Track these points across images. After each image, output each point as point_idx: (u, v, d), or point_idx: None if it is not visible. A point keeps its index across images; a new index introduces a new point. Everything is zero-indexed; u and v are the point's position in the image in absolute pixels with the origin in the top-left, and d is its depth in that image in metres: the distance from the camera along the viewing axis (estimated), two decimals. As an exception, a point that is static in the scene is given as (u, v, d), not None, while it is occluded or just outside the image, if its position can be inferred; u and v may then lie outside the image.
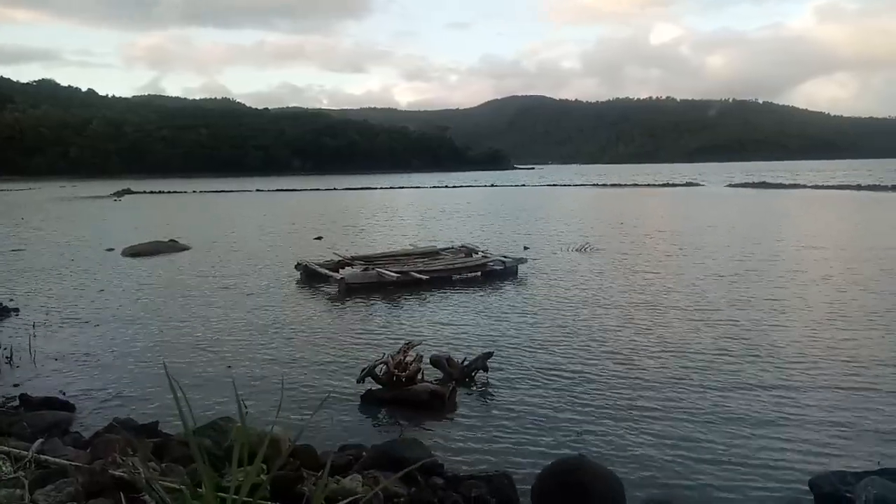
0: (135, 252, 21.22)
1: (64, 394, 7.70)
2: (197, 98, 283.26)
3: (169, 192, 75.71)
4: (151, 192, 74.81)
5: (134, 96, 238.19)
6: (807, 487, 5.05)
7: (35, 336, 10.26)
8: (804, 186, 61.81)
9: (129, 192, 73.36)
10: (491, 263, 16.43)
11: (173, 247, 22.44)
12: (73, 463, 4.23)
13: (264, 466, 4.72)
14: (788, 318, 10.90)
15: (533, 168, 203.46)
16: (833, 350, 9.11)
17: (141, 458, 4.28)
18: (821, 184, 64.19)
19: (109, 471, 3.91)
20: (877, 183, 58.92)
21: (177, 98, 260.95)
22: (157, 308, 12.87)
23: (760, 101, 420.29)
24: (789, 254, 18.44)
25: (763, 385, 7.69)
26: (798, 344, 9.40)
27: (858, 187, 56.95)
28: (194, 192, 75.04)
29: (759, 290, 13.54)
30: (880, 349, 9.11)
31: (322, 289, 14.86)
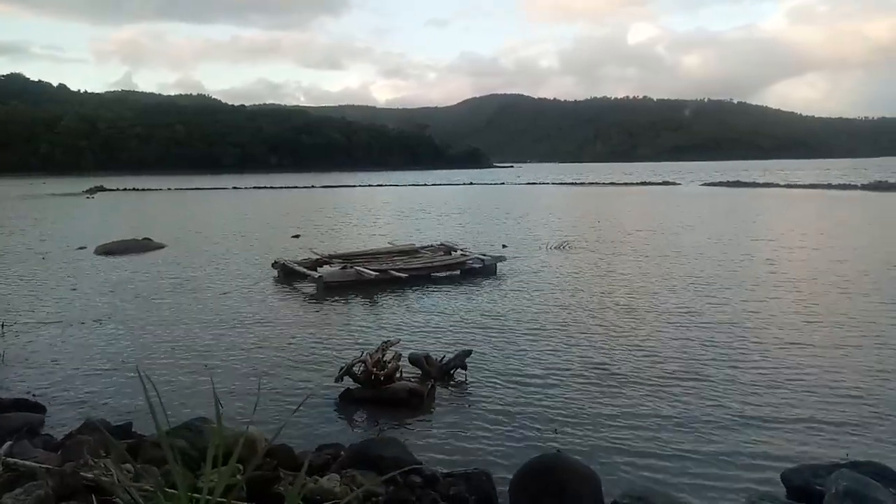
0: (107, 250, 20.85)
1: (34, 395, 7.53)
2: (171, 94, 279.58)
3: (143, 189, 74.55)
4: (125, 190, 73.63)
5: (107, 92, 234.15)
6: (779, 481, 5.13)
7: (3, 336, 10.04)
8: (777, 185, 62.81)
9: (101, 189, 72.08)
10: (470, 261, 16.45)
11: (147, 245, 22.09)
12: (42, 465, 4.14)
13: (240, 467, 4.67)
14: (761, 318, 11.06)
15: (512, 166, 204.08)
16: (802, 348, 9.28)
17: (114, 460, 4.20)
18: (793, 183, 65.32)
19: (81, 473, 3.83)
20: (847, 182, 60.14)
21: (151, 94, 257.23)
22: (131, 307, 12.66)
23: (735, 101, 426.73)
24: (763, 254, 18.73)
25: (735, 383, 7.79)
26: (769, 343, 9.54)
27: (829, 186, 58.09)
28: (169, 189, 73.98)
29: (732, 289, 13.74)
30: (849, 347, 9.29)
31: (300, 287, 14.75)
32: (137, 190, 73.55)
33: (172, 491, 2.49)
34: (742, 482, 5.36)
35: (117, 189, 74.09)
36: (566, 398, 7.35)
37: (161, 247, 22.01)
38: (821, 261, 17.23)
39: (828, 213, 33.71)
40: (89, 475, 3.71)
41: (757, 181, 68.39)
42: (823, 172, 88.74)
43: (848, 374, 8.04)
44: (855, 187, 55.55)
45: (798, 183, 64.10)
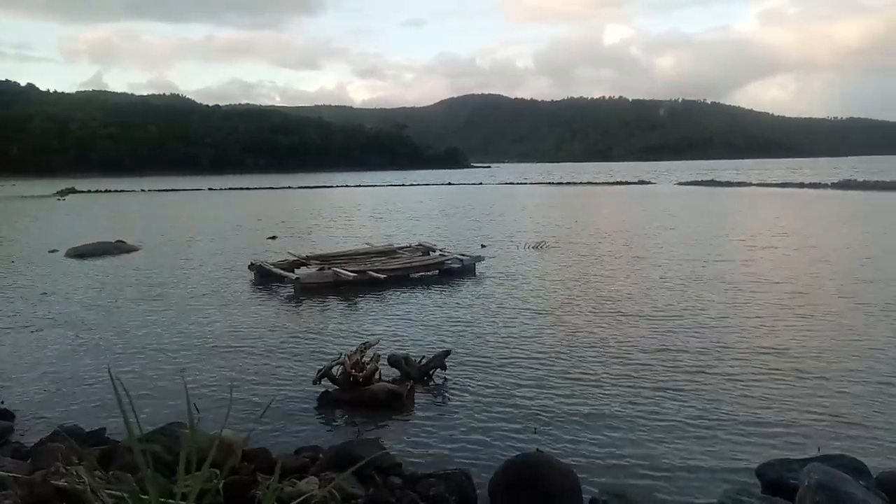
0: (80, 253, 20.46)
1: (2, 402, 7.35)
2: (144, 94, 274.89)
3: (116, 191, 73.32)
4: (98, 192, 72.36)
5: (77, 92, 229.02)
6: (754, 475, 5.22)
7: (-29, 342, 9.78)
8: (750, 184, 63.85)
9: (73, 191, 70.76)
10: (448, 262, 16.45)
11: (121, 247, 21.72)
12: (11, 474, 4.04)
13: (217, 471, 4.61)
14: (735, 316, 11.22)
15: (489, 167, 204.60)
16: (775, 346, 9.44)
17: (86, 467, 4.12)
18: (766, 181, 66.44)
19: (51, 481, 3.75)
20: (817, 181, 61.33)
21: (123, 94, 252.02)
22: (104, 311, 12.44)
23: (708, 102, 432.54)
24: (736, 254, 19.01)
25: (711, 380, 7.90)
26: (743, 341, 9.66)
27: (801, 185, 59.20)
28: (143, 190, 72.88)
29: (706, 287, 13.93)
30: (821, 345, 9.47)
31: (277, 289, 14.62)
32: (110, 191, 72.31)
33: (145, 497, 2.44)
34: (718, 477, 5.43)
35: (90, 191, 72.76)
36: (545, 398, 7.38)
37: (135, 249, 21.66)
38: (792, 261, 17.55)
39: (799, 211, 34.33)
40: (60, 483, 3.63)
41: (730, 180, 69.43)
42: (795, 172, 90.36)
43: (818, 370, 8.19)
44: (825, 186, 56.72)
45: (770, 182, 65.20)
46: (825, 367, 8.24)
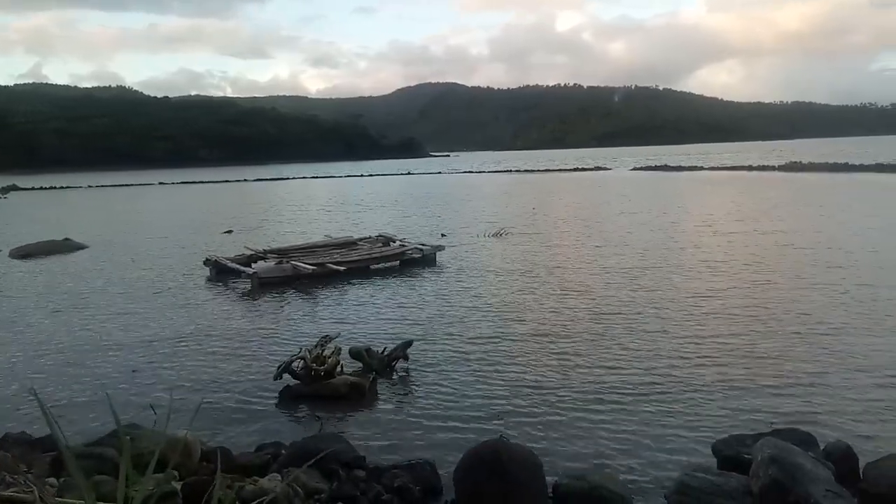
0: (24, 253, 19.68)
1: (-55, 411, 7.03)
2: (87, 86, 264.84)
3: (62, 187, 70.63)
4: (42, 188, 69.62)
5: (16, 84, 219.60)
6: (710, 452, 5.37)
7: None
8: (702, 168, 65.45)
9: (15, 188, 67.92)
10: (409, 252, 16.40)
11: (68, 246, 20.97)
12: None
13: (175, 473, 4.51)
14: (687, 298, 11.48)
15: (448, 155, 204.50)
16: (728, 326, 9.73)
17: (35, 475, 3.97)
18: (716, 165, 68.14)
19: (-2, 492, 3.59)
20: (765, 164, 63.27)
21: (65, 86, 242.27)
22: (52, 313, 11.99)
23: (660, 88, 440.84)
24: (687, 236, 19.49)
25: (667, 362, 8.09)
26: (700, 325, 9.89)
27: (749, 168, 61.02)
28: (90, 186, 70.39)
29: (662, 271, 14.24)
30: (772, 323, 9.80)
31: (234, 285, 14.34)
32: (56, 188, 69.62)
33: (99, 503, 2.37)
34: (676, 456, 5.57)
35: (33, 188, 69.93)
36: (507, 386, 7.44)
37: (83, 247, 20.93)
38: (743, 241, 18.06)
39: (748, 193, 35.32)
40: (7, 493, 3.48)
41: (682, 164, 71.00)
42: (743, 155, 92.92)
43: (768, 349, 8.48)
44: (772, 168, 58.65)
45: (721, 166, 66.90)
46: (775, 347, 8.52)
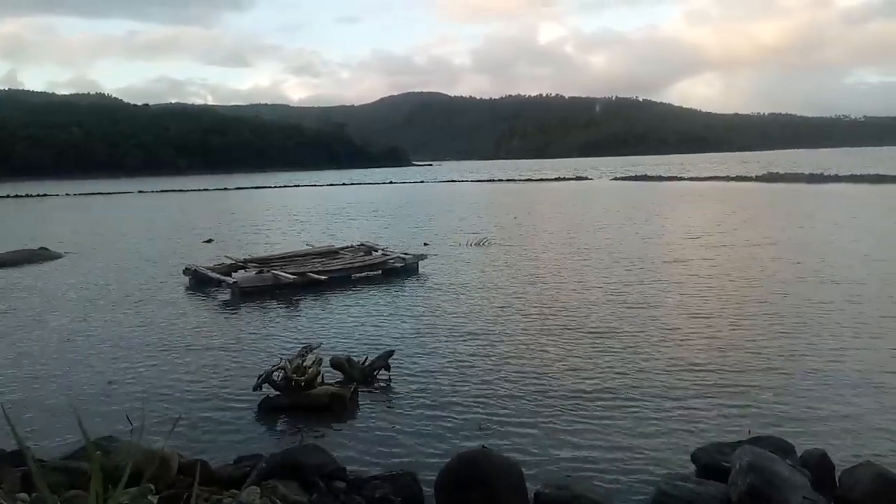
0: (-2, 262, 19.28)
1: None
2: (65, 93, 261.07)
3: (37, 195, 69.44)
4: (17, 196, 68.36)
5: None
6: (689, 460, 5.41)
7: None
8: (681, 178, 66.27)
9: (-11, 196, 66.64)
10: (391, 261, 16.36)
11: (44, 255, 20.61)
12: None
13: (152, 486, 4.43)
14: (667, 309, 11.60)
15: (431, 164, 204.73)
16: (710, 336, 9.84)
17: (6, 490, 3.88)
18: (696, 176, 69.03)
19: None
20: (742, 174, 64.29)
21: (42, 93, 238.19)
22: (28, 323, 11.77)
23: (640, 99, 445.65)
24: (667, 247, 19.70)
25: (646, 372, 8.16)
26: (680, 335, 9.96)
27: (727, 178, 61.98)
28: (67, 195, 69.28)
29: (639, 279, 14.38)
30: (751, 333, 9.93)
31: (214, 294, 14.20)
32: (31, 196, 68.44)
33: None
34: (656, 464, 5.60)
35: (7, 196, 68.68)
36: (489, 396, 7.44)
37: (59, 256, 20.59)
38: (722, 251, 18.29)
39: (726, 203, 35.80)
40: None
41: (662, 175, 71.85)
42: (721, 166, 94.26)
43: (747, 359, 8.58)
44: (750, 178, 59.63)
45: (700, 176, 67.78)
46: (754, 356, 8.63)
